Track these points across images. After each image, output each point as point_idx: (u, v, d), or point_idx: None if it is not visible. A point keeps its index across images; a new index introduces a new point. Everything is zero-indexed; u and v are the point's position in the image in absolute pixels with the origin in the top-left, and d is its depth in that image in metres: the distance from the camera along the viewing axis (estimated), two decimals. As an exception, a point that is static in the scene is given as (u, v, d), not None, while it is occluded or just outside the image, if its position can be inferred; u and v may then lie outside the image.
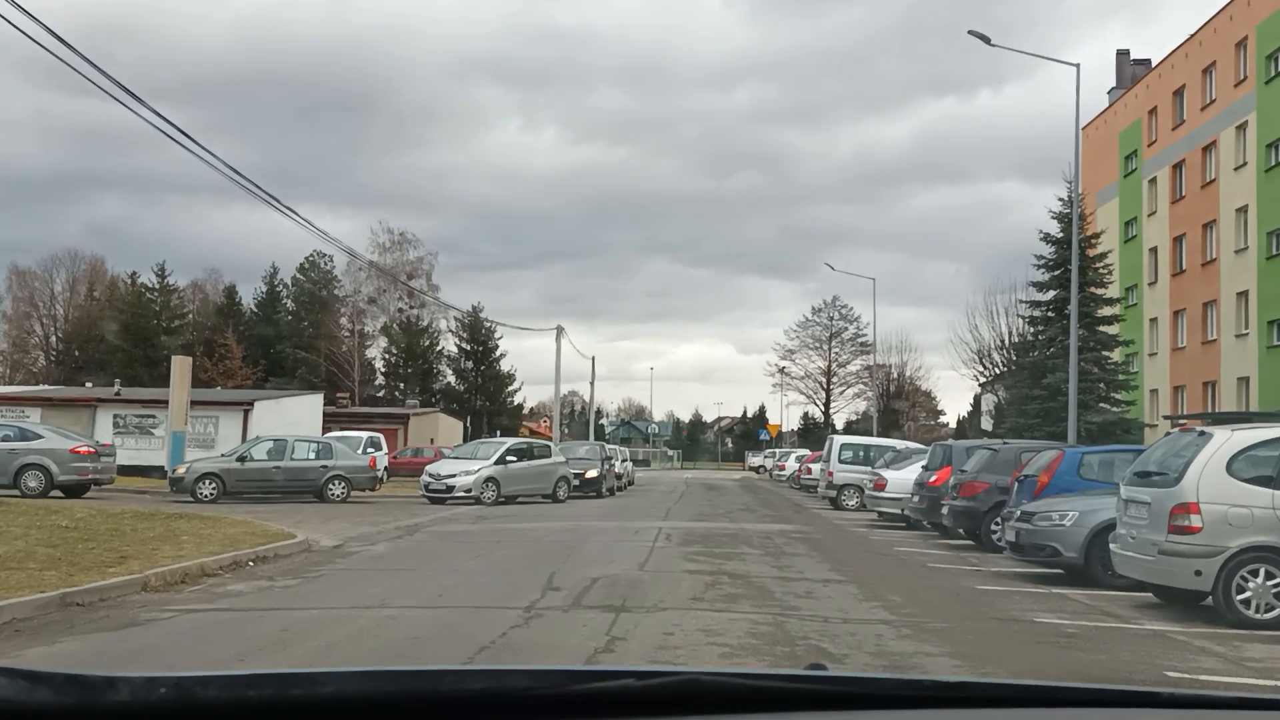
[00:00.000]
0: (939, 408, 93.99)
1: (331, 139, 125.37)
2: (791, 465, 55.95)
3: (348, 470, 29.94)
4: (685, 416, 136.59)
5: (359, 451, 41.56)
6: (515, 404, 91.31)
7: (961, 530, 20.54)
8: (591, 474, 35.86)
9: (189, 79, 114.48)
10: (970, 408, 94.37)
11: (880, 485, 25.64)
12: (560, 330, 62.70)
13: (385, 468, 42.05)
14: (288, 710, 1.67)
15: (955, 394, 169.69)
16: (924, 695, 2.12)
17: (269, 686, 1.69)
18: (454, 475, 30.69)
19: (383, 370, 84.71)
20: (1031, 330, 42.50)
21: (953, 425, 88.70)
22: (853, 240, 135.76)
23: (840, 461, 33.51)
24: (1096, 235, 43.21)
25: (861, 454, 33.63)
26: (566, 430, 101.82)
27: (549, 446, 34.69)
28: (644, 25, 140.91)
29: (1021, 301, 45.53)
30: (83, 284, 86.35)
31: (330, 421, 48.28)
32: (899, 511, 24.63)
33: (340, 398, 61.21)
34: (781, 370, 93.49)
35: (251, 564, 14.70)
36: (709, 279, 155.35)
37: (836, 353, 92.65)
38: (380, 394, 79.02)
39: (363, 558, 16.32)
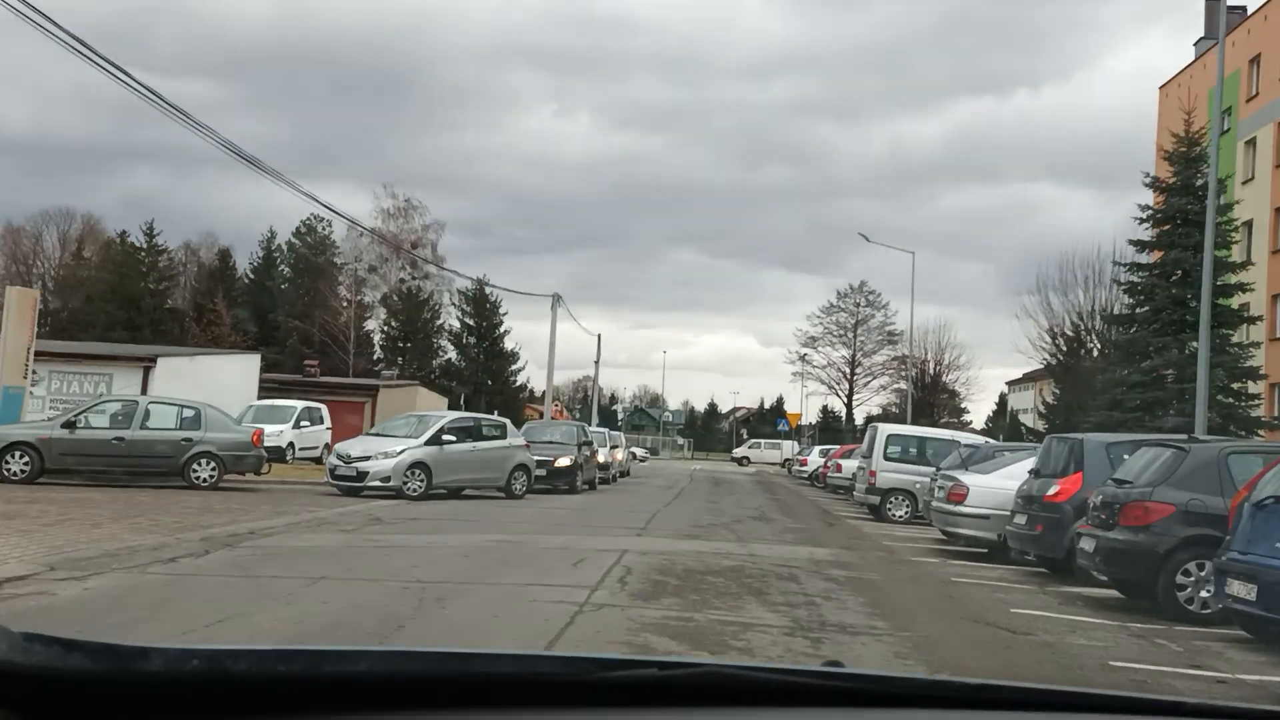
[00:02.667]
0: (961, 405, 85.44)
1: (366, 117, 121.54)
2: (815, 460, 47.94)
3: (220, 446, 21.92)
4: (701, 406, 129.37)
5: (289, 425, 34.32)
6: (518, 384, 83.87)
7: (1120, 579, 12.42)
8: (563, 462, 27.87)
9: (231, 55, 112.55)
10: (994, 408, 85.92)
11: (959, 496, 17.35)
12: (556, 298, 54.87)
13: (325, 444, 34.53)
14: (319, 687, 1.66)
15: (973, 401, 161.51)
16: (944, 695, 2.05)
17: (301, 663, 1.69)
18: (369, 458, 22.73)
19: (381, 343, 77.54)
20: (1129, 300, 33.85)
21: (978, 424, 79.32)
22: (880, 236, 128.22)
23: (886, 459, 25.50)
24: (1224, 179, 34.65)
25: (915, 450, 25.67)
26: (576, 414, 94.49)
27: (504, 425, 26.56)
28: (683, 15, 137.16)
29: (1119, 264, 36.86)
30: (73, 242, 79.99)
31: (291, 390, 41.24)
32: (994, 537, 16.46)
33: (308, 365, 53.48)
34: (802, 358, 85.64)
35: None
36: (734, 271, 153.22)
37: (862, 341, 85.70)
38: (378, 368, 71.64)
39: None
